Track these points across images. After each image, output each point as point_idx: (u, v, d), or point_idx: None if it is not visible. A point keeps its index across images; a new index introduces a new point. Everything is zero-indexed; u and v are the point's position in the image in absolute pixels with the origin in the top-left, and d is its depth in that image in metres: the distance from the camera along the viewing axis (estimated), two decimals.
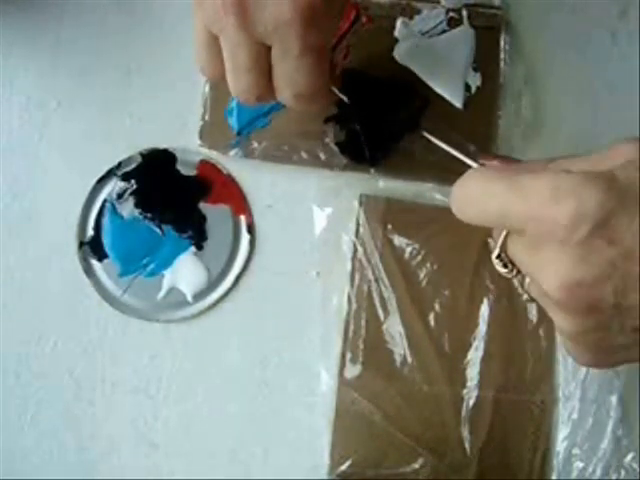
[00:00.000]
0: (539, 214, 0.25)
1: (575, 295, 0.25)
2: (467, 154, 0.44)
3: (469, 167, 0.33)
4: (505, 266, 0.29)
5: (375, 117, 0.43)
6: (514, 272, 0.29)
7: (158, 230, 0.45)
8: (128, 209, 0.45)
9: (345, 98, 0.40)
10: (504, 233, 0.28)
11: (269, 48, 0.32)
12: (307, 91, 0.33)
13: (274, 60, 0.32)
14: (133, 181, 0.45)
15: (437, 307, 0.42)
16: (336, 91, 0.39)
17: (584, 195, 0.24)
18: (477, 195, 0.28)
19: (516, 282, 0.30)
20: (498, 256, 0.29)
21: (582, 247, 0.24)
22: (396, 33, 0.46)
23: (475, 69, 0.45)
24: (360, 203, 0.44)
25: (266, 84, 0.33)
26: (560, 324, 0.27)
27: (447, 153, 0.44)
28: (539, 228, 0.25)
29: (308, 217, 0.44)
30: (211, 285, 0.44)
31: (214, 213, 0.45)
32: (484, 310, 0.42)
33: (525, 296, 0.42)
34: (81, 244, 0.45)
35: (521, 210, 0.26)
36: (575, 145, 0.45)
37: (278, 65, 0.32)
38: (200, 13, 0.32)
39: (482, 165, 0.33)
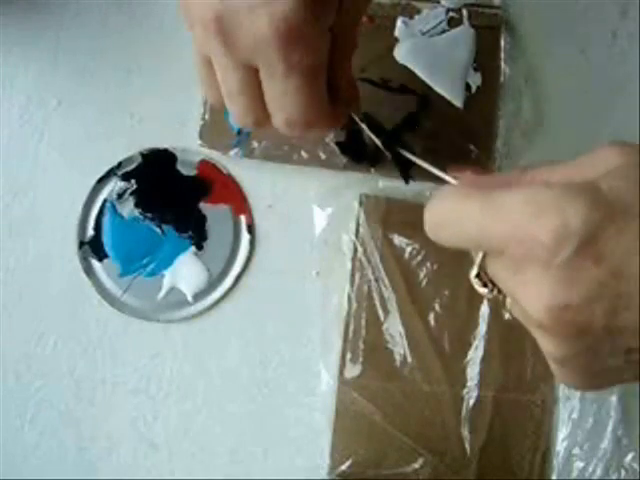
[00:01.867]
0: (518, 234, 0.23)
1: (562, 319, 0.23)
2: (467, 154, 0.44)
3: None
4: (485, 285, 0.27)
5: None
6: (494, 292, 0.27)
7: (158, 230, 0.45)
8: (128, 209, 0.45)
9: (366, 128, 0.39)
10: (482, 252, 0.26)
11: (257, 70, 0.30)
12: (299, 116, 0.31)
13: (262, 83, 0.31)
14: (133, 181, 0.45)
15: (437, 307, 0.42)
16: (356, 118, 0.37)
17: (566, 210, 0.22)
18: (451, 217, 0.26)
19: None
20: (477, 275, 0.27)
21: (567, 268, 0.22)
22: (396, 33, 0.46)
23: (475, 69, 0.45)
24: (360, 203, 0.44)
25: (261, 108, 0.32)
26: (546, 348, 0.25)
27: (448, 152, 0.44)
28: (519, 249, 0.23)
29: (308, 217, 0.44)
30: (211, 285, 0.44)
31: (214, 213, 0.45)
32: (484, 310, 0.42)
33: None
34: (81, 244, 0.45)
35: (499, 230, 0.24)
36: (575, 145, 0.45)
37: (266, 88, 0.31)
38: (194, 37, 0.31)
39: (454, 178, 0.30)
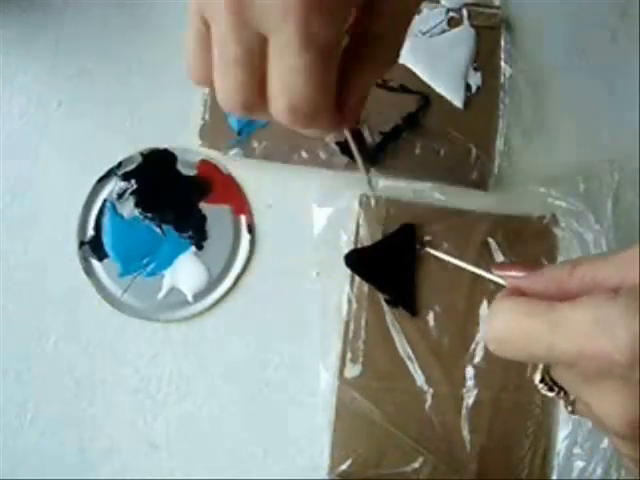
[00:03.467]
0: (589, 351, 0.23)
1: None
2: (467, 154, 0.44)
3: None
4: (551, 389, 0.27)
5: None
6: (561, 394, 0.27)
7: (158, 230, 0.45)
8: (128, 209, 0.45)
9: (356, 151, 0.37)
10: None
11: (265, 42, 0.27)
12: (305, 103, 0.27)
13: (270, 56, 0.27)
14: (133, 181, 0.45)
15: (437, 307, 0.42)
16: (348, 136, 0.34)
17: (635, 326, 0.22)
18: (514, 334, 0.25)
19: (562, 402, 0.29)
20: (542, 380, 0.27)
21: None
22: None
23: (475, 69, 0.45)
24: (360, 203, 0.44)
25: (255, 87, 0.28)
26: (624, 451, 0.26)
27: (448, 152, 0.44)
28: (591, 364, 0.23)
29: (308, 217, 0.44)
30: (211, 285, 0.44)
31: (214, 213, 0.45)
32: (484, 310, 0.42)
33: None
34: (81, 244, 0.45)
35: (568, 348, 0.23)
36: (574, 145, 0.45)
37: (273, 62, 0.27)
38: None
39: (496, 270, 0.29)
